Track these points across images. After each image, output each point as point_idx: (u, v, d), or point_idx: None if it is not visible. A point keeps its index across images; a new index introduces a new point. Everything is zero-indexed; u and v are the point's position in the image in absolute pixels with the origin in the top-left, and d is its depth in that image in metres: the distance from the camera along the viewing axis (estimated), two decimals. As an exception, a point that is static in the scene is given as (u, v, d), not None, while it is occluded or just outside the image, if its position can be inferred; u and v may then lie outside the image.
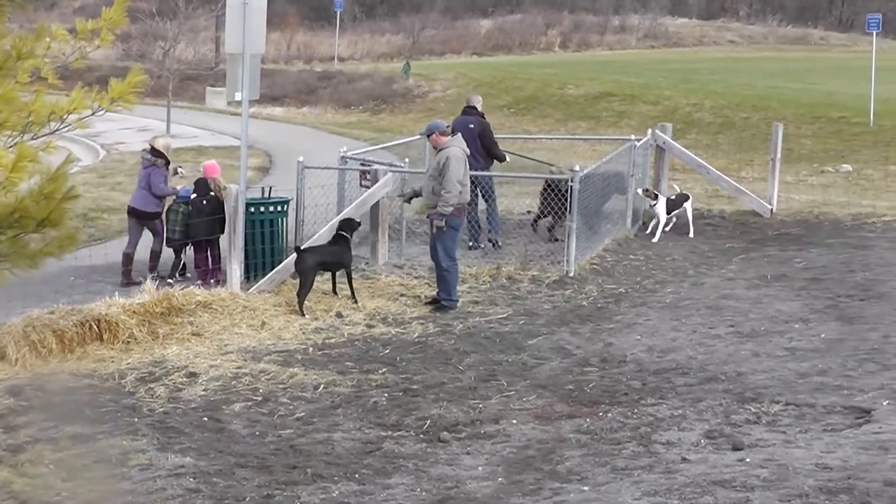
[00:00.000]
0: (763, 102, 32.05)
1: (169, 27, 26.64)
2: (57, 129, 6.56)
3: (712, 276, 13.83)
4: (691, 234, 16.07)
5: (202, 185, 13.52)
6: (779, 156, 17.63)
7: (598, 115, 34.48)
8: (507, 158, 15.76)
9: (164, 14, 27.78)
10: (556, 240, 14.91)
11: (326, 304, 12.36)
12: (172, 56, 25.99)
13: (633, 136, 17.12)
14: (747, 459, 7.40)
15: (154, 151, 13.78)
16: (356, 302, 12.33)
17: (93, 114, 6.54)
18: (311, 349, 10.82)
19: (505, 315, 12.03)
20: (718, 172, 18.13)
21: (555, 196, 14.58)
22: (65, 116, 6.42)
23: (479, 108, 15.44)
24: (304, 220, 14.18)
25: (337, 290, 12.66)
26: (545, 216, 15.45)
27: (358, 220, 13.11)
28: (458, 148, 12.27)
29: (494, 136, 15.32)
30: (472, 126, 14.80)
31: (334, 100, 40.25)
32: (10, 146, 5.94)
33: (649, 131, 17.72)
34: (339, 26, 49.77)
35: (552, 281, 13.36)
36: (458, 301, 12.38)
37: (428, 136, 12.62)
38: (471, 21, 60.25)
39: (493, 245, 15.05)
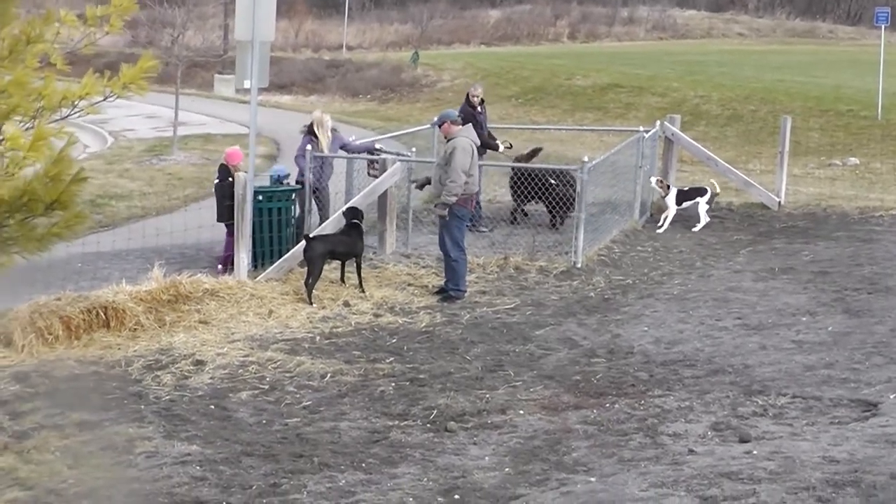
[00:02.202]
0: (771, 95, 31.95)
1: (177, 14, 26.57)
2: (69, 115, 6.52)
3: (719, 268, 13.80)
4: (697, 229, 15.94)
5: (224, 170, 13.50)
6: (787, 148, 17.56)
7: (605, 107, 34.45)
8: (502, 148, 16.04)
9: (172, 1, 27.72)
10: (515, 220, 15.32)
11: (334, 292, 12.34)
12: (181, 43, 25.92)
13: (641, 128, 17.05)
14: (754, 452, 7.37)
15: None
16: (363, 291, 12.30)
17: (104, 99, 6.50)
18: (318, 338, 10.81)
19: (512, 305, 12.02)
20: (726, 164, 18.07)
21: (520, 184, 15.05)
22: (76, 102, 6.38)
23: (470, 96, 15.71)
24: (313, 209, 14.13)
25: (345, 278, 12.60)
26: (520, 205, 15.72)
27: (362, 211, 13.09)
28: (465, 138, 12.25)
29: (476, 122, 15.09)
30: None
31: (342, 88, 40.26)
32: (27, 128, 5.91)
33: (657, 123, 17.66)
34: (348, 15, 49.76)
35: (560, 272, 13.35)
36: (465, 291, 12.35)
37: (439, 125, 12.63)
38: (479, 11, 60.19)
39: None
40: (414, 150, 15.77)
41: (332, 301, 12.04)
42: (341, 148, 14.51)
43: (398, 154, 14.87)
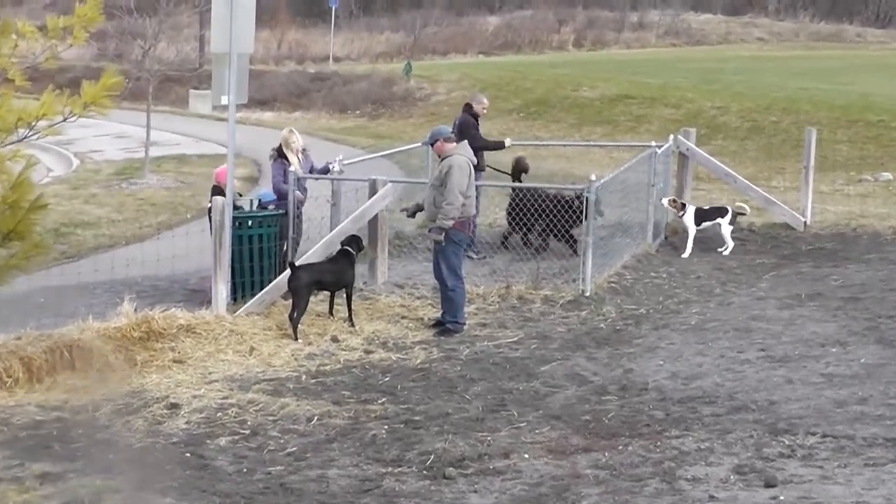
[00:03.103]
0: (794, 105, 32.06)
1: (149, 24, 26.63)
2: (26, 137, 6.52)
3: (741, 294, 13.79)
4: (726, 252, 15.99)
5: (216, 192, 13.50)
6: (812, 163, 17.58)
7: (614, 120, 34.66)
8: (509, 141, 16.67)
9: (143, 10, 27.79)
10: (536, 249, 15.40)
11: (321, 327, 12.31)
12: (152, 56, 25.97)
13: (653, 143, 17.09)
14: (781, 497, 7.34)
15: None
16: (353, 325, 12.28)
17: (64, 120, 6.50)
18: (304, 377, 10.77)
19: (515, 338, 12.00)
20: (747, 181, 18.09)
21: (519, 210, 15.32)
22: (34, 123, 6.37)
23: (475, 107, 15.88)
24: (297, 235, 14.11)
25: (333, 311, 12.59)
26: (515, 231, 15.87)
27: (363, 242, 13.17)
28: (462, 156, 12.27)
29: (477, 131, 15.59)
30: (456, 121, 15.59)
31: (329, 103, 40.40)
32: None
33: (671, 137, 17.69)
34: (335, 23, 49.90)
35: (567, 301, 13.34)
36: (464, 324, 12.34)
37: (431, 144, 12.64)
38: (477, 18, 60.47)
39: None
40: (403, 171, 15.73)
41: (320, 336, 12.01)
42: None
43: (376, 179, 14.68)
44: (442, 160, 12.34)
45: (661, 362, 11.09)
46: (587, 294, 13.49)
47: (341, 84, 42.49)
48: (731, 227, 16.19)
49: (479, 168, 15.12)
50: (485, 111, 16.09)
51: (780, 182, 23.24)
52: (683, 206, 16.17)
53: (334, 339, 11.90)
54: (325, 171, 14.64)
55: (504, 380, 10.66)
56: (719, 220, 16.18)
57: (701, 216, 16.14)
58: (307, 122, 37.63)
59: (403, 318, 12.74)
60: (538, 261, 14.74)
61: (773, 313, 12.77)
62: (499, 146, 16.26)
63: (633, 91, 36.63)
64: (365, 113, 39.75)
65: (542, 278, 14.09)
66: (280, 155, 14.32)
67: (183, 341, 11.38)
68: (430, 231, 12.54)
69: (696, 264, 15.48)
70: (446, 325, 12.28)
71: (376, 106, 39.90)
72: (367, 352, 11.57)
